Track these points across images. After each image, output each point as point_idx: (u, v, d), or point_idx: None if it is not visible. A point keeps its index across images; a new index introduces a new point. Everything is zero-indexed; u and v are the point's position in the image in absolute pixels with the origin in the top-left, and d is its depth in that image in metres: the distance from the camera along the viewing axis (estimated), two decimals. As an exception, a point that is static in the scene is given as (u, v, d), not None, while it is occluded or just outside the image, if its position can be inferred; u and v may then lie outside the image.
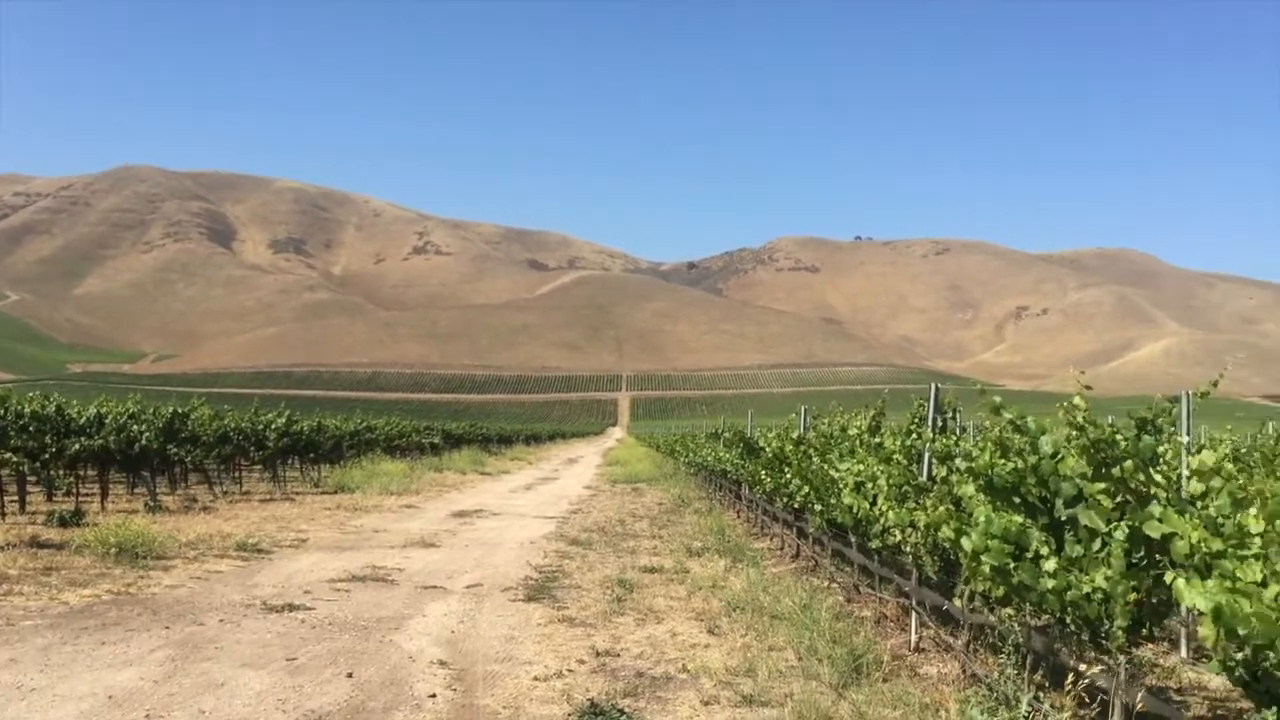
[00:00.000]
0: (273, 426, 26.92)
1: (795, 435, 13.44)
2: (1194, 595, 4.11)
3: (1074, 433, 5.46)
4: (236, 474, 27.20)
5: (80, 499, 20.33)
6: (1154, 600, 5.11)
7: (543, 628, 9.51)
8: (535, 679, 7.59)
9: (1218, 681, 7.47)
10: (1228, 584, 4.05)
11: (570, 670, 7.88)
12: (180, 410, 22.33)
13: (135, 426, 20.36)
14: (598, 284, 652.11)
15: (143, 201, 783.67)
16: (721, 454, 22.84)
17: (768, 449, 15.29)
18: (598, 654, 8.41)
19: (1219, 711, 6.99)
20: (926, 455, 8.29)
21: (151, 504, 19.45)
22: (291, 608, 10.12)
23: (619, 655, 8.42)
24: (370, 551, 14.59)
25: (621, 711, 6.67)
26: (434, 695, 7.11)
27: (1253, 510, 4.23)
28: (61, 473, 20.63)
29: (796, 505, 12.95)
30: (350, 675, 7.59)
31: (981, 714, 6.10)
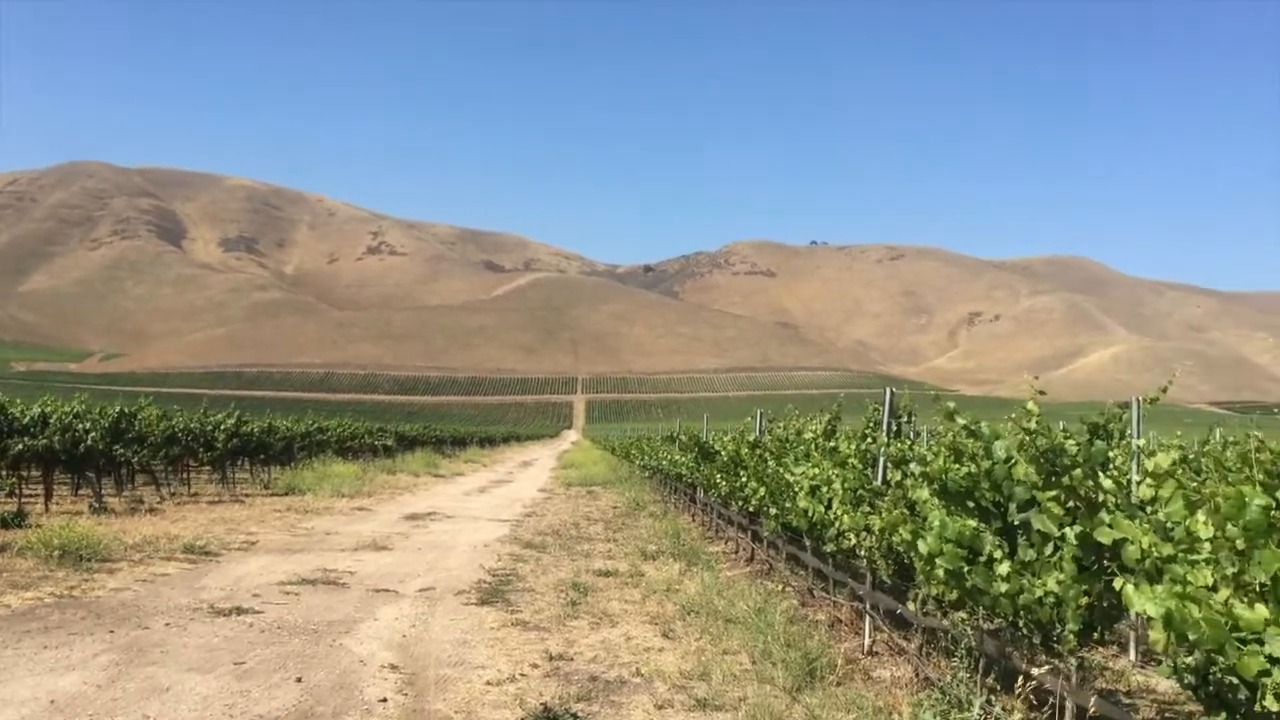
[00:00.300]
0: (222, 427, 26.54)
1: (751, 439, 13.46)
2: (1144, 601, 4.14)
3: (1028, 437, 5.50)
4: (184, 475, 26.78)
5: (23, 500, 19.93)
6: (1105, 604, 5.15)
7: (496, 631, 9.43)
8: (488, 683, 7.52)
9: (1166, 685, 7.55)
10: (1178, 589, 4.08)
11: (523, 674, 7.82)
12: (127, 410, 21.97)
13: (80, 426, 20.00)
14: (554, 286, 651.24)
15: (91, 198, 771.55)
16: (677, 457, 22.83)
17: (723, 452, 15.30)
18: (551, 658, 8.36)
19: (1167, 715, 7.07)
20: (881, 459, 8.32)
21: (97, 505, 19.12)
22: (240, 611, 9.96)
23: (573, 659, 8.37)
24: (321, 554, 14.42)
25: (575, 716, 6.62)
26: (385, 700, 7.02)
27: (1202, 515, 4.27)
28: (4, 473, 20.20)
29: (752, 509, 12.96)
30: (299, 680, 7.48)
31: (934, 717, 6.12)
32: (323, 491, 25.96)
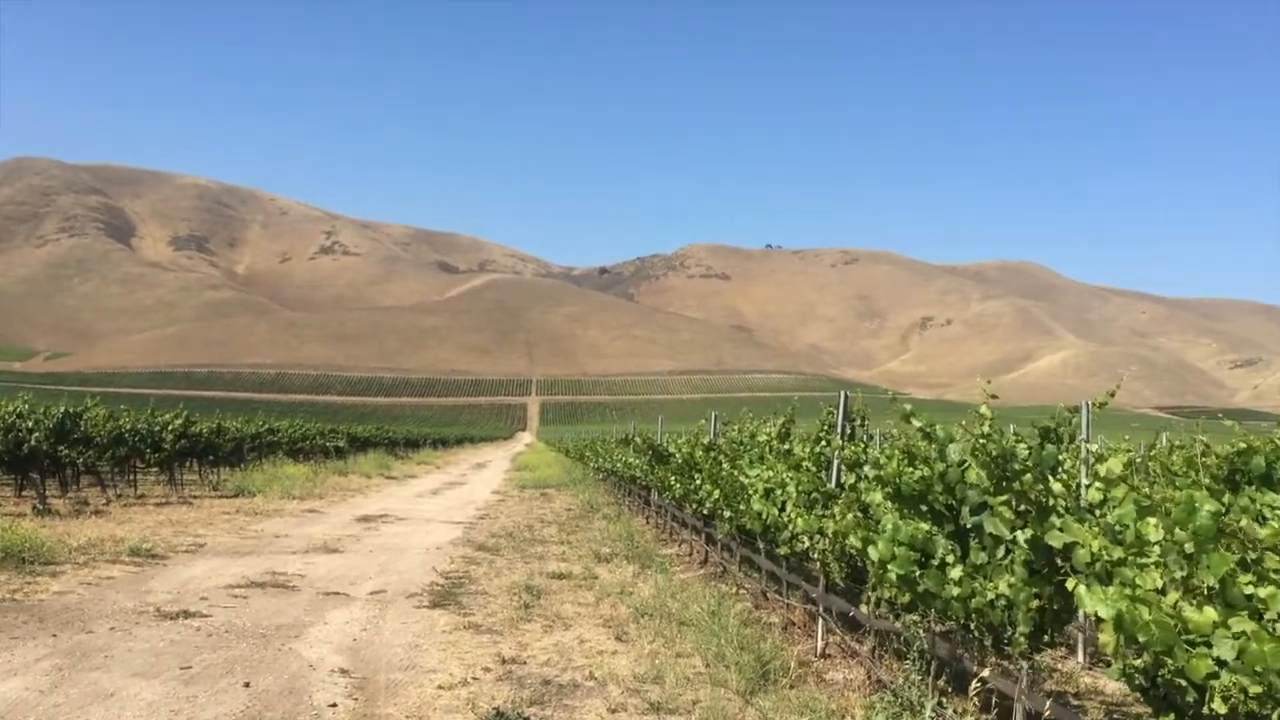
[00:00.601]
0: (170, 428, 26.14)
1: (705, 441, 13.47)
2: (1095, 602, 4.17)
3: (981, 441, 5.54)
4: (131, 477, 26.34)
5: (-36, 501, 19.51)
6: (1055, 607, 5.19)
7: (448, 635, 9.36)
8: (439, 687, 7.45)
9: (1114, 686, 7.64)
10: (1128, 591, 4.13)
11: (475, 678, 7.76)
12: (72, 410, 21.55)
13: (24, 426, 19.61)
14: (509, 287, 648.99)
15: (37, 194, 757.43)
16: (631, 460, 22.81)
17: (678, 455, 15.30)
18: (504, 661, 8.30)
19: (1115, 716, 7.15)
20: (835, 462, 8.35)
21: (40, 507, 18.74)
22: (187, 615, 9.80)
23: (525, 663, 8.32)
24: (271, 557, 14.23)
25: (526, 718, 6.58)
26: (334, 705, 6.93)
27: (1152, 520, 4.32)
28: (-56, 474, 19.80)
29: (706, 511, 12.97)
30: (247, 685, 7.37)
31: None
32: (273, 493, 25.65)
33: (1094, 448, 6.32)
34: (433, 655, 8.53)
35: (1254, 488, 7.31)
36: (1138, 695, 4.19)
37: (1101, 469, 4.63)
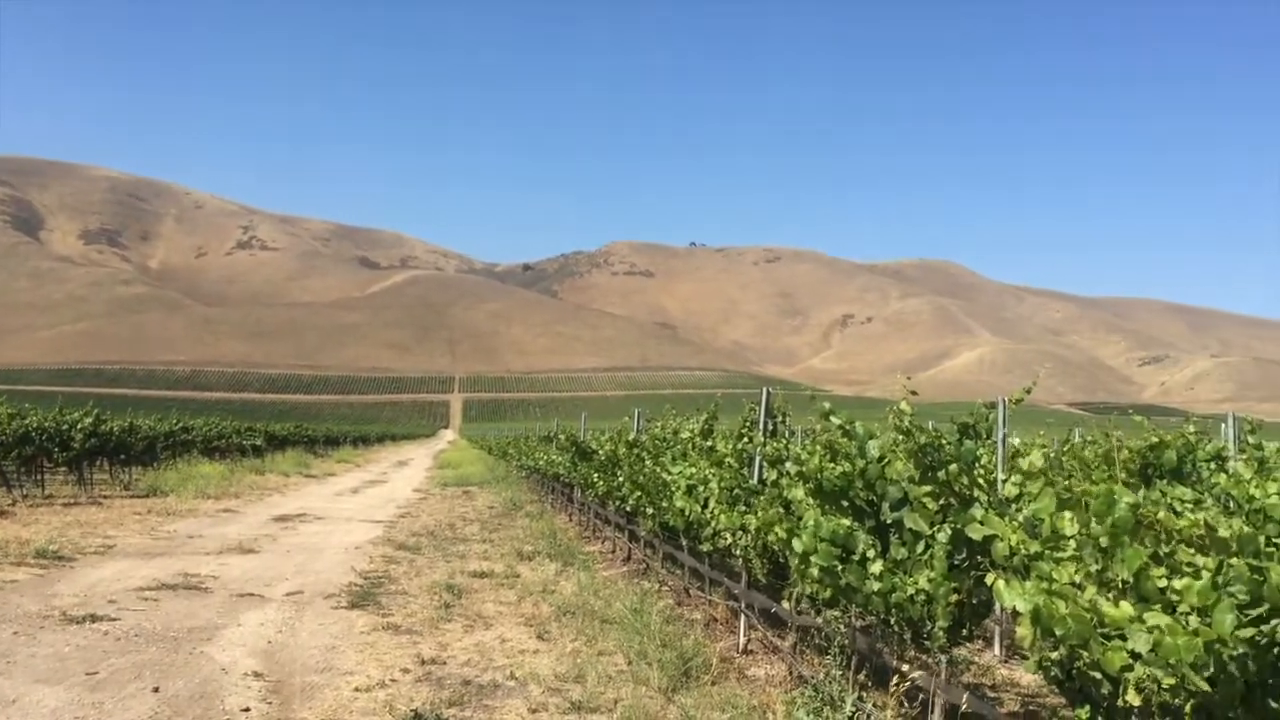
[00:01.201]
0: (79, 426, 25.38)
1: (629, 438, 13.44)
2: (1014, 597, 4.20)
3: (901, 437, 5.57)
4: (39, 477, 25.53)
5: None
6: (974, 601, 5.24)
7: (366, 636, 9.19)
8: (356, 689, 7.30)
9: (1030, 678, 7.76)
10: (1045, 585, 4.17)
11: (394, 680, 7.62)
12: (-25, 408, 20.83)
13: (-77, 425, 18.89)
14: (431, 284, 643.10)
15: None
16: (554, 457, 22.71)
17: (601, 452, 15.25)
18: (423, 662, 8.17)
19: (1031, 707, 7.25)
20: (758, 459, 8.36)
21: (-60, 509, 18.08)
22: (94, 618, 9.49)
23: (445, 663, 8.20)
24: (183, 558, 13.87)
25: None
26: (247, 709, 6.76)
27: (1068, 513, 4.37)
28: None
29: (629, 508, 12.93)
30: (156, 690, 7.15)
31: (807, 715, 6.15)
32: (187, 493, 25.05)
33: (1016, 441, 6.41)
34: (350, 657, 8.37)
35: (1165, 481, 7.48)
36: (1053, 687, 4.24)
37: (1024, 463, 4.67)
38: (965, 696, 5.23)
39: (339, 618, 10.08)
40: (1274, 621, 3.29)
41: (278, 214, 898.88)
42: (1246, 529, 3.85)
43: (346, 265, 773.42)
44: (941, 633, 5.24)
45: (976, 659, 8.76)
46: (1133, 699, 3.63)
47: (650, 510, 11.17)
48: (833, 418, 6.22)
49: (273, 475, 35.35)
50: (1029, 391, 6.54)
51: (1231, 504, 5.28)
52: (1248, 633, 3.32)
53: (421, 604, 10.83)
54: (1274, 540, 4.22)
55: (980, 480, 5.45)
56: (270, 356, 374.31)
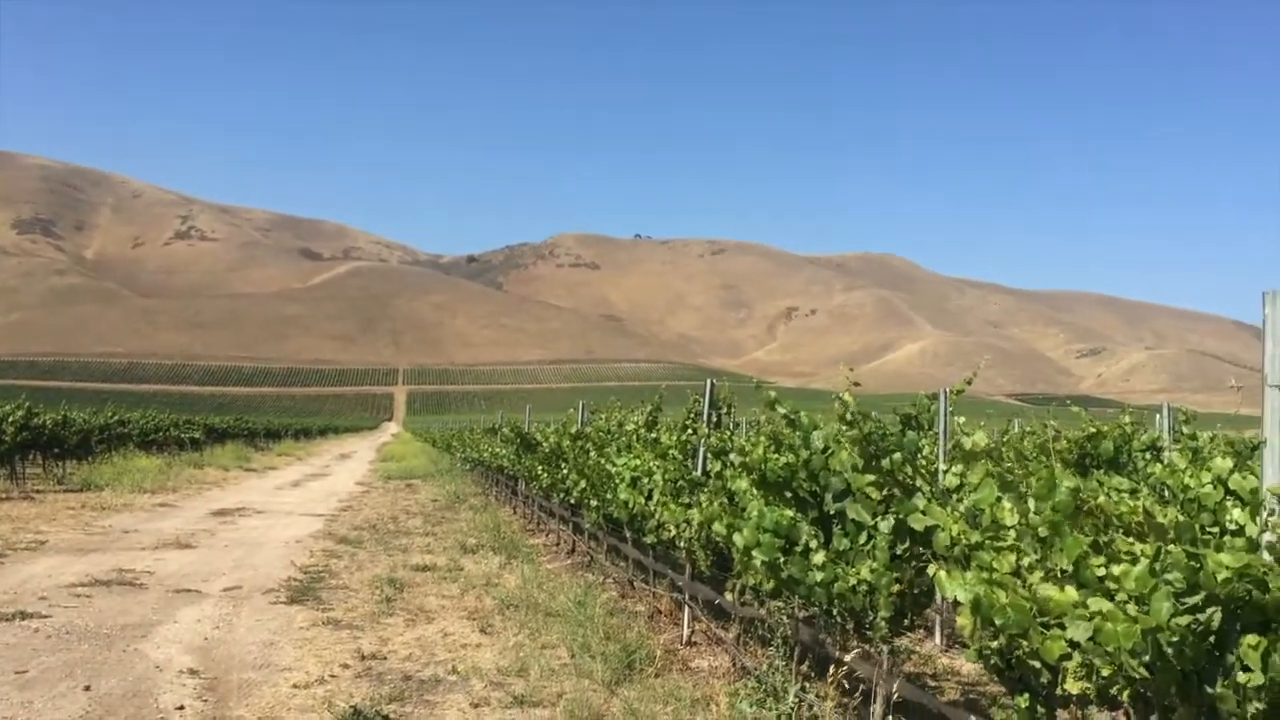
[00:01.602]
0: (10, 420, 24.78)
1: (573, 430, 13.38)
2: (954, 587, 4.22)
3: (845, 427, 5.57)
4: (-32, 471, 24.93)
5: None
6: (916, 591, 5.26)
7: (305, 631, 9.05)
8: (295, 686, 7.18)
9: (970, 667, 7.82)
10: (985, 575, 4.18)
11: (333, 676, 7.51)
12: (-100, 401, 20.24)
13: None
14: (374, 275, 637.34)
15: None
16: (498, 449, 22.58)
17: (545, 444, 15.17)
18: (363, 657, 8.07)
19: (970, 695, 7.31)
20: (702, 450, 8.34)
21: None
22: (24, 616, 9.25)
23: (386, 658, 8.10)
24: (118, 553, 13.59)
25: (386, 718, 6.39)
26: (182, 707, 6.62)
27: (1007, 503, 4.39)
28: None
29: (573, 501, 12.88)
30: (88, 688, 6.98)
31: (750, 706, 6.15)
32: (123, 487, 24.59)
33: (961, 419, 6.45)
34: (289, 653, 8.23)
35: (1102, 471, 7.58)
36: (993, 676, 4.26)
37: (967, 441, 4.69)
38: (905, 685, 5.25)
39: (278, 613, 9.92)
40: (1210, 609, 3.32)
41: (216, 204, 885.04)
42: (1183, 517, 3.89)
43: (288, 256, 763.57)
44: (883, 623, 5.26)
45: (918, 648, 8.82)
46: (1071, 687, 3.65)
47: (595, 503, 11.13)
48: (778, 407, 6.21)
49: (212, 469, 34.81)
50: (969, 383, 6.58)
51: (1167, 493, 5.35)
52: (1184, 620, 3.35)
53: (362, 598, 10.70)
54: (1209, 529, 4.28)
55: (923, 470, 5.48)
56: (210, 348, 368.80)
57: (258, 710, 6.63)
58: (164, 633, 8.87)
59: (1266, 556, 3.44)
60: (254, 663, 7.91)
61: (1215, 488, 4.71)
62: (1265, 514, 3.66)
